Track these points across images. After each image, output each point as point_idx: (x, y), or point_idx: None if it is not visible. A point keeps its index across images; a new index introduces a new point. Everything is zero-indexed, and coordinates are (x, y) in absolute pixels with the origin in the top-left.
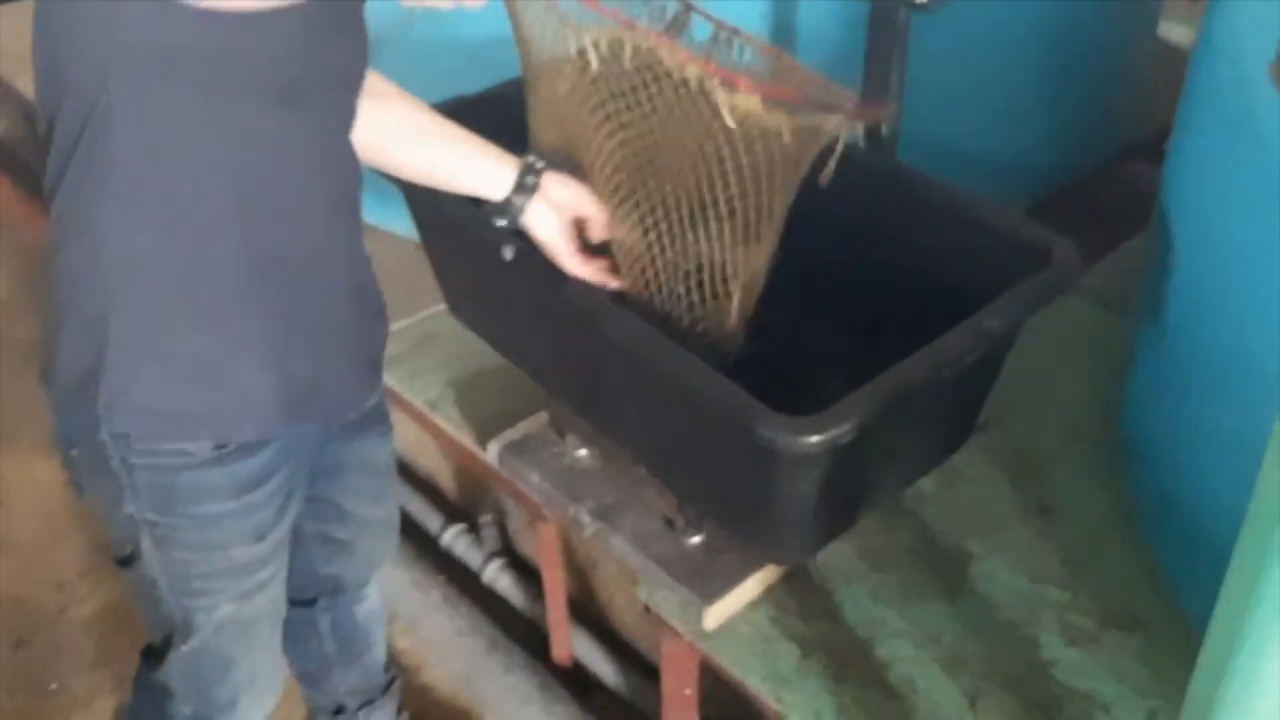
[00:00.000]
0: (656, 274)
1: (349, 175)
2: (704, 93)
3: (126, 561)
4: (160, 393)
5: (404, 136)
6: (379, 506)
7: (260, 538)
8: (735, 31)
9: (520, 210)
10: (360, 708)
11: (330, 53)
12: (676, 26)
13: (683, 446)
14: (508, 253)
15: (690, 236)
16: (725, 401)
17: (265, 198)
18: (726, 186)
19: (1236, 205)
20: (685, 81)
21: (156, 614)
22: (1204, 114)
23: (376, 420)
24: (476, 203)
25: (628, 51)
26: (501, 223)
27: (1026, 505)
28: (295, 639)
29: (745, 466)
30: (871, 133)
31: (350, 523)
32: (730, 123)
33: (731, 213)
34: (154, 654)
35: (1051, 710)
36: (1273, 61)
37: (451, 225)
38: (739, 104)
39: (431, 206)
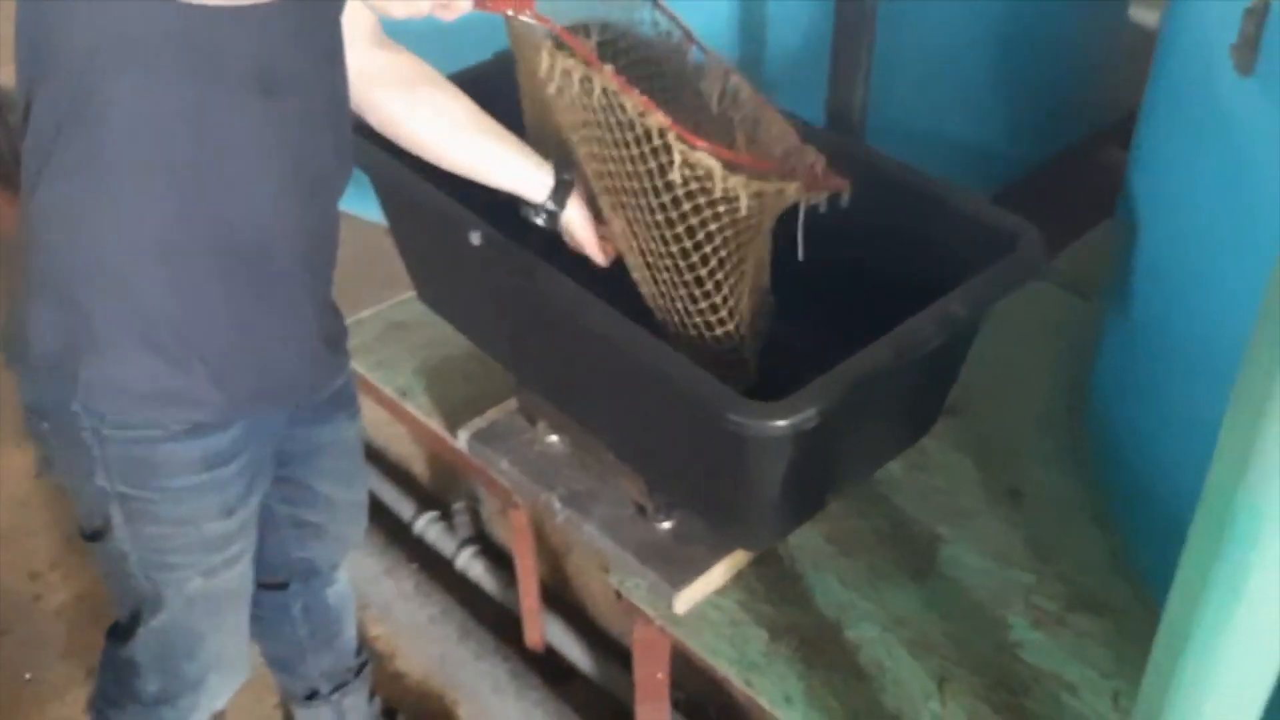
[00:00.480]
0: (656, 281)
1: (325, 164)
2: (664, 146)
3: (96, 536)
4: (139, 374)
5: (443, 130)
6: (351, 489)
7: (229, 513)
8: (729, 73)
9: (559, 209)
10: (333, 691)
11: (306, 45)
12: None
13: (653, 433)
14: (475, 237)
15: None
16: (694, 387)
17: (240, 183)
18: (678, 239)
19: (1201, 188)
20: (646, 132)
21: (125, 589)
22: (1169, 97)
23: (345, 402)
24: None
25: (596, 89)
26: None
27: (995, 490)
28: (268, 623)
29: (714, 452)
30: (839, 116)
31: (322, 505)
32: (679, 178)
33: (686, 255)
34: (121, 631)
35: (1018, 691)
36: (1235, 43)
37: (419, 210)
38: (699, 162)
39: (398, 191)
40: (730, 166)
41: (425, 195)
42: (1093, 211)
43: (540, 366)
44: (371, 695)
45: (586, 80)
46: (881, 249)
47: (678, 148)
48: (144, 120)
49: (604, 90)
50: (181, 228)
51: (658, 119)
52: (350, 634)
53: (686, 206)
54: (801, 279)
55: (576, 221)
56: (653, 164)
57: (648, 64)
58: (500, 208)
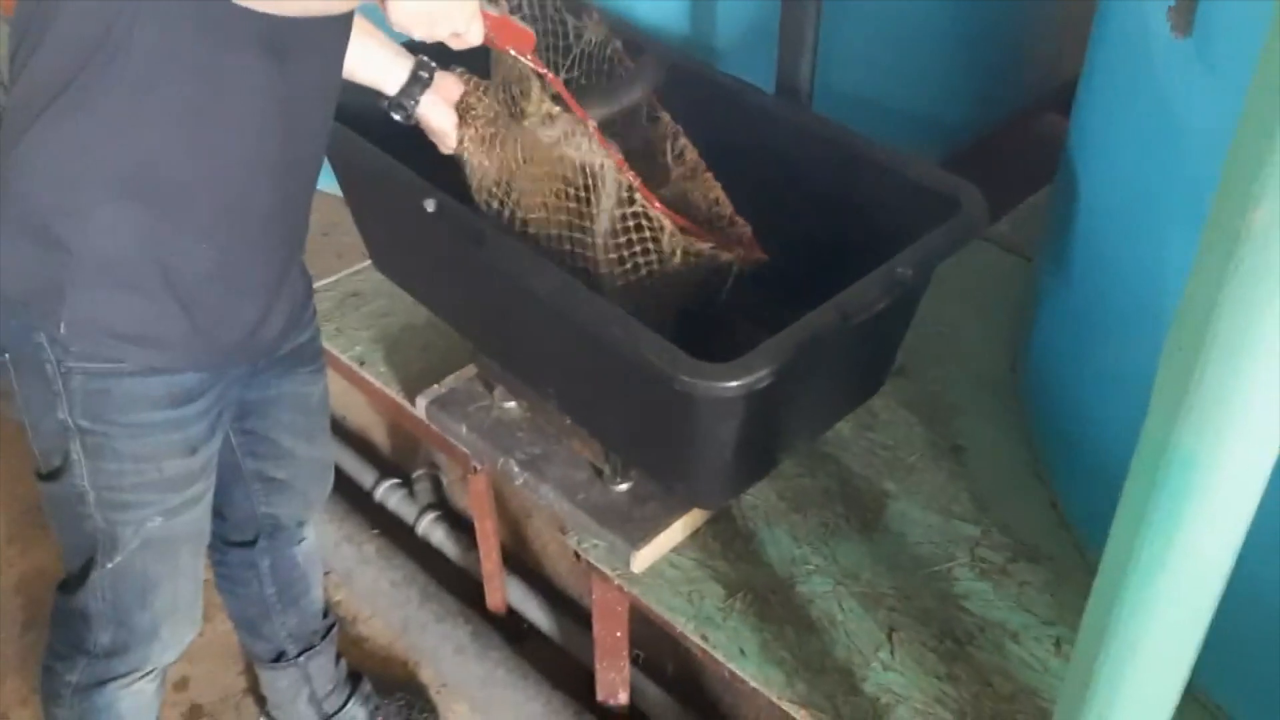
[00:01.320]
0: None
1: (316, 130)
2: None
3: (54, 475)
4: (117, 312)
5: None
6: (314, 445)
7: (192, 451)
8: (678, 134)
9: (415, 102)
10: (300, 654)
11: (318, 20)
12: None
13: (607, 396)
14: (430, 205)
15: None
16: (646, 350)
17: (239, 137)
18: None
19: (1137, 151)
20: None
21: (80, 533)
22: (1108, 62)
23: (309, 358)
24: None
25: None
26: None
27: (939, 446)
28: (236, 582)
29: (667, 414)
30: (787, 85)
31: (287, 460)
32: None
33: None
34: (73, 582)
35: (964, 640)
36: (1172, 5)
37: (375, 180)
38: (655, 218)
39: (354, 161)
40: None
41: (381, 164)
42: (1036, 177)
43: (496, 333)
44: (338, 658)
45: (572, 133)
46: (830, 213)
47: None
48: (159, 66)
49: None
50: (179, 170)
51: (628, 177)
52: (317, 594)
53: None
54: (775, 234)
55: (433, 114)
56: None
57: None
58: (455, 181)
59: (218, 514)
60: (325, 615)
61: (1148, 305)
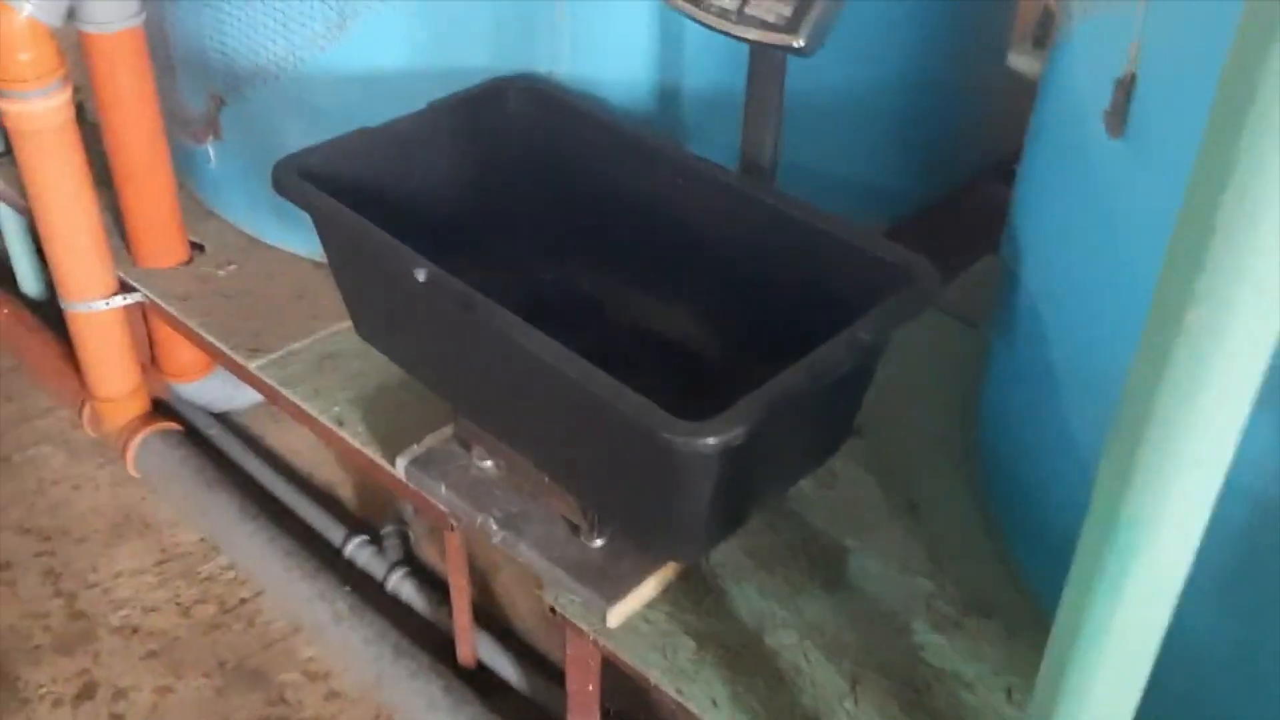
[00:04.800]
0: None
1: None
2: None
3: None
4: None
5: None
6: None
7: None
8: None
9: None
10: None
11: None
12: None
13: (586, 453)
14: (420, 274)
15: None
16: (627, 408)
17: None
18: None
19: (1077, 234)
20: None
21: None
22: (1047, 148)
23: None
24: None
25: None
26: None
27: (896, 504)
28: None
29: (646, 470)
30: (751, 163)
31: None
32: None
33: None
34: None
35: (922, 690)
36: (1106, 109)
37: (361, 249)
38: None
39: (341, 231)
40: None
41: (368, 235)
42: (978, 245)
43: (477, 395)
44: None
45: None
46: (790, 281)
47: None
48: None
49: None
50: None
51: None
52: None
53: None
54: (720, 305)
55: None
56: None
57: None
58: (438, 247)
59: None
60: None
61: (1088, 375)
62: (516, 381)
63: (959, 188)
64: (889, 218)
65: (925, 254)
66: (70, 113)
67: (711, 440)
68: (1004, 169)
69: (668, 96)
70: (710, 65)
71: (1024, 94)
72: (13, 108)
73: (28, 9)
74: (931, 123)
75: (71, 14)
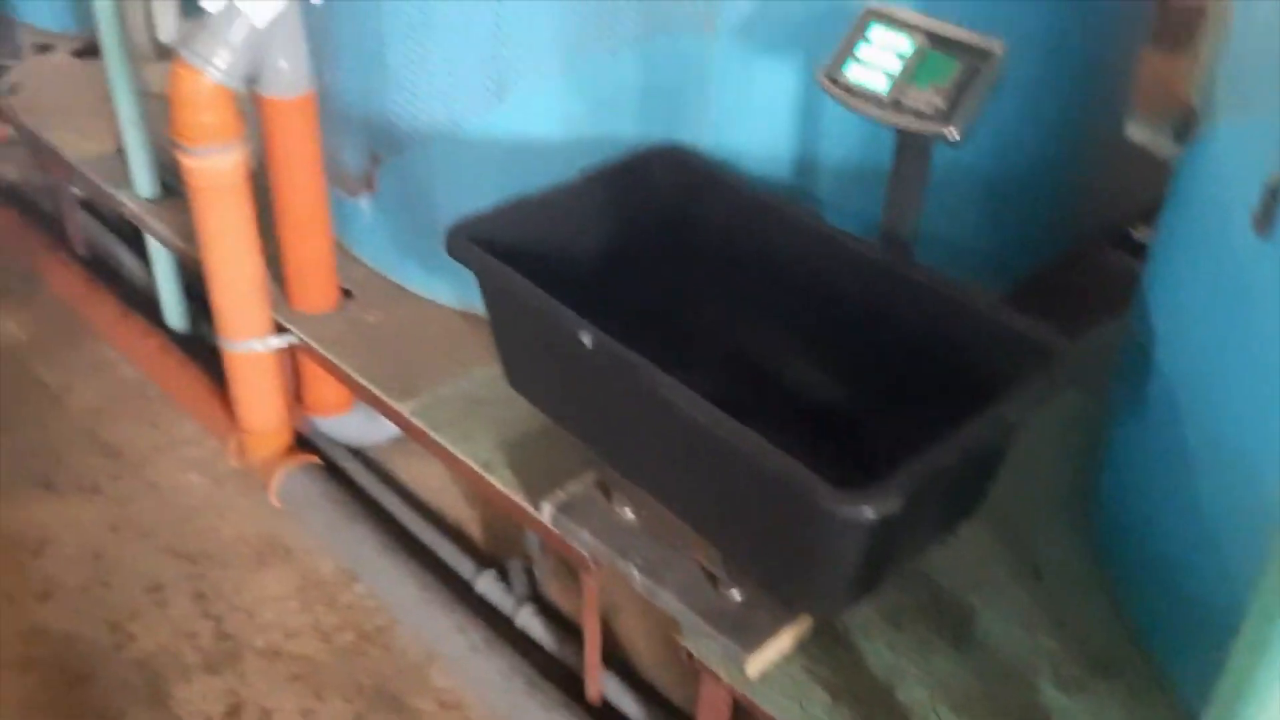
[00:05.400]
0: None
1: None
2: None
3: None
4: None
5: None
6: None
7: None
8: None
9: None
10: None
11: None
12: None
13: (732, 509)
14: (587, 340)
15: None
16: (783, 471)
17: None
18: None
19: (1215, 320)
20: None
21: None
22: (1186, 235)
23: None
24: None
25: None
26: None
27: (1020, 566)
28: None
29: (795, 530)
30: (892, 237)
31: None
32: None
33: None
34: None
35: None
36: (1255, 209)
37: (525, 311)
38: None
39: (506, 293)
40: None
41: (534, 299)
42: (1096, 310)
43: (627, 448)
44: None
45: None
46: (925, 347)
47: None
48: None
49: None
50: None
51: None
52: None
53: None
54: (853, 365)
55: None
56: None
57: None
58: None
59: None
60: None
61: (1218, 452)
62: (667, 437)
63: (1074, 252)
64: (1007, 281)
65: (1045, 319)
66: (245, 170)
67: (869, 510)
68: (1117, 234)
69: (805, 167)
70: (849, 140)
71: (1139, 163)
72: (194, 163)
73: (216, 75)
74: (1050, 191)
75: (252, 80)
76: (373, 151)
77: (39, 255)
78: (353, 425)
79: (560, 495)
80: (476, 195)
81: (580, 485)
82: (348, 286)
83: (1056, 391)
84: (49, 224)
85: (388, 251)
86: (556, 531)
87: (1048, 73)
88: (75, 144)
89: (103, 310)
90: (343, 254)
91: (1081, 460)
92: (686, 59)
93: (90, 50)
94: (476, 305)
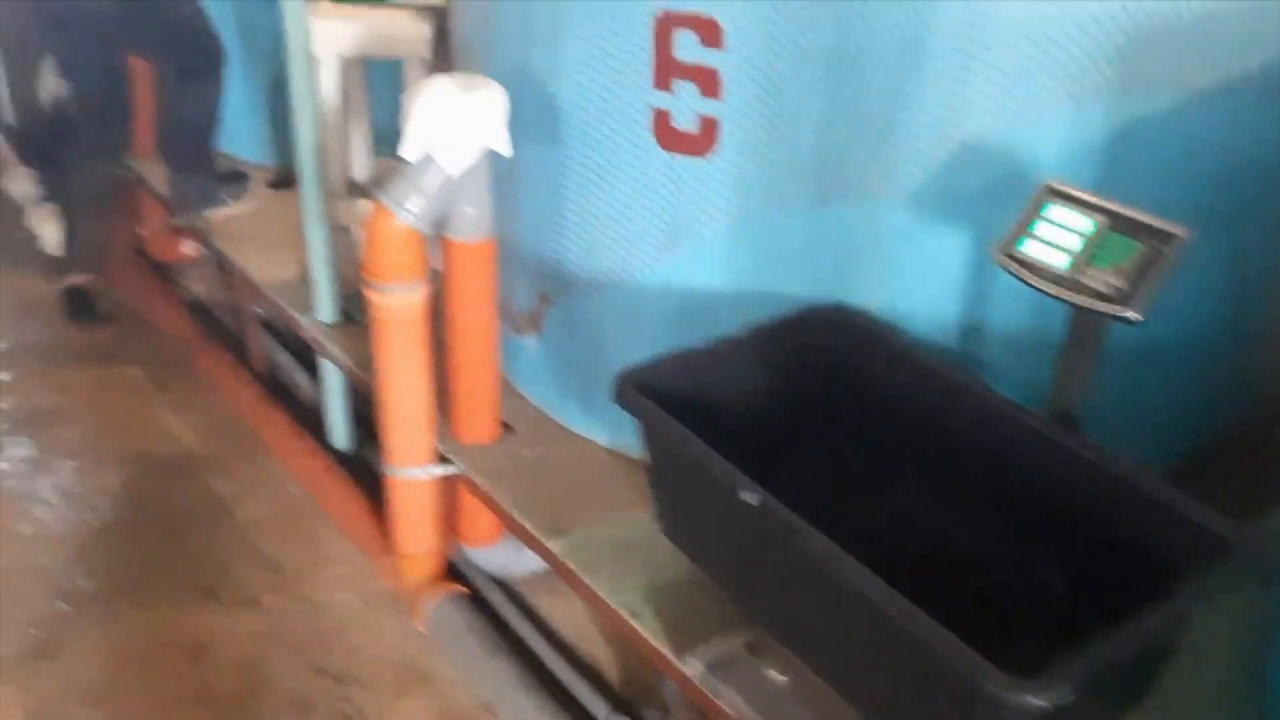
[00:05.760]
0: None
1: None
2: None
3: None
4: None
5: None
6: None
7: None
8: None
9: None
10: None
11: None
12: None
13: (892, 684)
14: (752, 498)
15: None
16: (951, 655)
17: None
18: None
19: None
20: None
21: None
22: None
23: None
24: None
25: None
26: None
27: None
28: None
29: (959, 714)
30: (1059, 411)
31: None
32: None
33: None
34: None
35: None
36: None
37: (688, 465)
38: None
39: (670, 445)
40: None
41: (699, 453)
42: (1268, 493)
43: (783, 612)
44: None
45: None
46: (1090, 524)
47: None
48: None
49: None
50: None
51: None
52: None
53: None
54: (1014, 536)
55: None
56: None
57: None
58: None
59: None
60: None
61: None
62: (827, 607)
63: (1245, 429)
64: (1172, 455)
65: (1212, 498)
66: (426, 308)
67: (1039, 701)
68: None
69: (971, 332)
70: (1019, 309)
71: None
72: (381, 299)
73: (409, 219)
74: (1221, 366)
75: (440, 225)
76: (543, 293)
77: (219, 370)
78: (501, 556)
79: (708, 652)
80: (641, 342)
81: (729, 643)
82: (508, 420)
83: (1233, 587)
84: (230, 341)
85: (549, 390)
86: (703, 689)
87: (1227, 249)
88: (262, 268)
89: (275, 427)
90: (505, 388)
91: (1252, 647)
92: (858, 224)
93: (282, 181)
94: (630, 446)
